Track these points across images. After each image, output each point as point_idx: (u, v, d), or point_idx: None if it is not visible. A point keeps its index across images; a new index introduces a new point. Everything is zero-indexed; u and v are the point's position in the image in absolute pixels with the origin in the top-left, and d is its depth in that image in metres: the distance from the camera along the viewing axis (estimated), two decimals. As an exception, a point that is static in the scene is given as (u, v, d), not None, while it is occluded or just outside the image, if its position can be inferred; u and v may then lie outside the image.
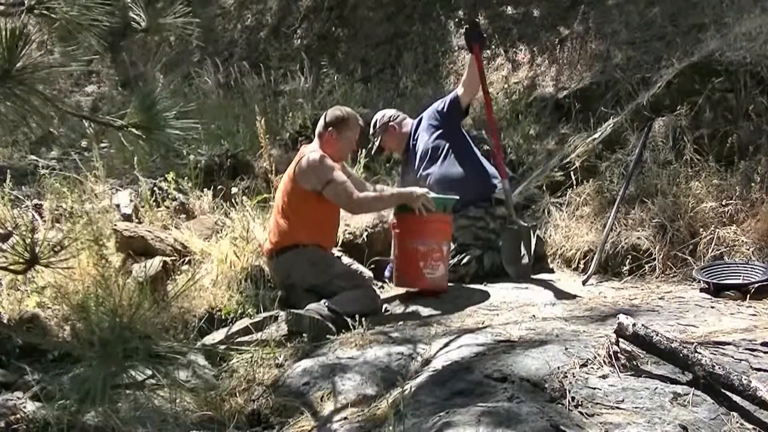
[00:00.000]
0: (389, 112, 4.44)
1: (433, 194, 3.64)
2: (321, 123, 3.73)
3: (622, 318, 2.36)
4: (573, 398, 2.18)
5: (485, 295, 3.66)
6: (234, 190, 4.69)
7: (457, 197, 3.80)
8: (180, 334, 3.34)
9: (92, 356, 1.76)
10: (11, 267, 1.88)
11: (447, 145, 4.13)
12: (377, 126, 4.38)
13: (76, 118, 2.27)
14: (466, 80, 4.12)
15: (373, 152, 4.51)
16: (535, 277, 3.92)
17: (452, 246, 3.99)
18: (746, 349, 2.46)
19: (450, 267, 3.90)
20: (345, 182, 3.53)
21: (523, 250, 3.91)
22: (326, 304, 3.32)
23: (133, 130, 2.02)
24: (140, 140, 2.03)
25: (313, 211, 3.55)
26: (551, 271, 4.09)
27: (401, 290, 3.80)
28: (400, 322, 3.26)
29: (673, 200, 3.80)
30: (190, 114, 2.14)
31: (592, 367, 2.35)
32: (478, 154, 4.17)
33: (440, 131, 4.17)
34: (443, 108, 4.20)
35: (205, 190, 4.72)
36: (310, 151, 3.62)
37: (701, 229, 3.66)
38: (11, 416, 2.47)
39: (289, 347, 3.12)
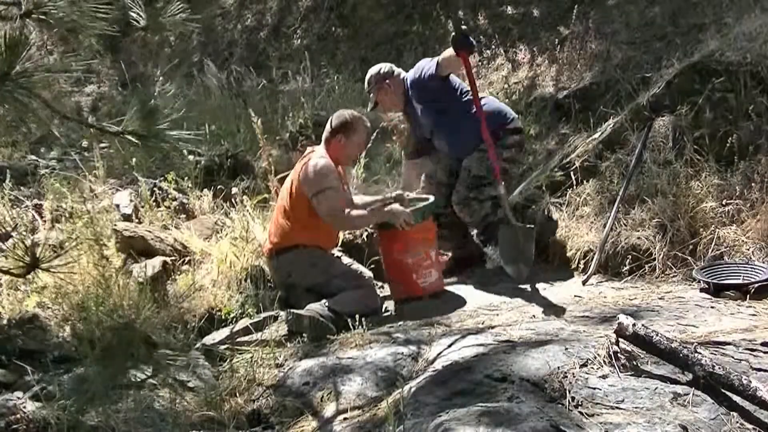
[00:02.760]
0: (384, 67, 4.20)
1: (411, 205, 3.68)
2: (328, 128, 3.71)
3: (622, 318, 2.36)
4: (573, 398, 2.19)
5: (485, 295, 3.66)
6: (234, 190, 4.69)
7: (433, 198, 3.82)
8: (180, 334, 3.34)
9: (93, 357, 1.77)
10: (12, 270, 1.88)
11: (439, 109, 4.01)
12: (370, 83, 4.19)
13: (71, 121, 2.26)
14: (444, 62, 3.89)
15: (369, 109, 4.32)
16: (534, 277, 3.92)
17: (468, 176, 3.95)
18: (746, 349, 2.46)
19: (464, 200, 3.86)
20: (336, 196, 3.52)
21: (521, 250, 3.90)
22: (326, 304, 3.32)
23: (130, 137, 2.01)
24: (137, 147, 2.02)
25: (316, 215, 3.54)
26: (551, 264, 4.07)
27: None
28: (400, 322, 3.27)
29: (673, 200, 3.80)
30: (189, 119, 2.14)
31: (592, 367, 2.36)
32: (468, 98, 3.98)
33: (428, 100, 4.03)
34: (424, 78, 4.00)
35: (205, 190, 4.71)
36: (317, 157, 3.61)
37: (701, 229, 3.66)
38: (11, 416, 2.47)
39: (289, 347, 3.12)
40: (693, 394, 2.17)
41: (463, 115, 3.97)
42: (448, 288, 3.82)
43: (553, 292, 3.63)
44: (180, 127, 2.10)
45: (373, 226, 3.91)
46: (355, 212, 3.66)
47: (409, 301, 3.65)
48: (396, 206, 3.68)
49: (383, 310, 3.59)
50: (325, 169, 3.53)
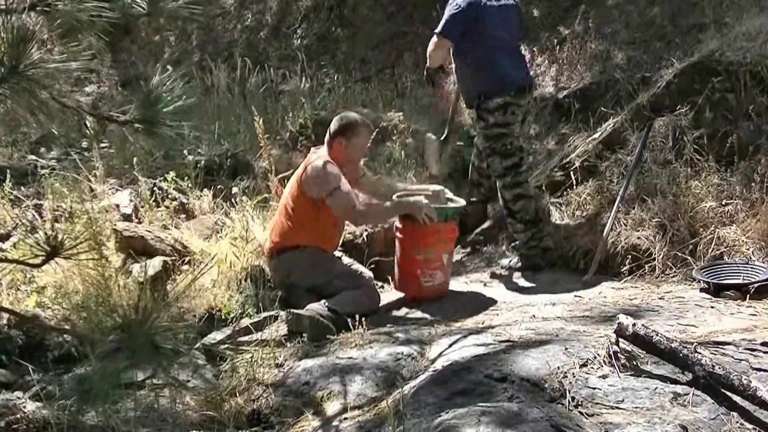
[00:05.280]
0: None
1: (435, 204, 3.64)
2: (329, 130, 3.69)
3: (622, 318, 2.36)
4: (573, 398, 2.19)
5: (485, 296, 3.66)
6: (234, 190, 4.69)
7: (461, 204, 3.80)
8: (180, 334, 3.33)
9: (94, 356, 1.76)
10: (28, 261, 1.88)
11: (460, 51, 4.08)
12: None
13: (78, 115, 2.27)
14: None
15: None
16: (534, 276, 3.92)
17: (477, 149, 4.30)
18: (746, 349, 2.47)
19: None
20: (348, 192, 3.49)
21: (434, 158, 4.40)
22: (326, 304, 3.32)
23: (137, 125, 2.02)
24: (145, 136, 2.02)
25: (317, 217, 3.53)
26: (553, 264, 4.06)
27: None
28: (401, 322, 3.27)
29: (673, 200, 3.80)
30: (193, 109, 2.14)
31: (592, 367, 2.36)
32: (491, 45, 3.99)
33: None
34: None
35: (205, 190, 4.71)
36: (317, 158, 3.59)
37: (701, 229, 3.66)
38: (11, 416, 2.47)
39: (289, 347, 3.12)
40: (693, 394, 2.17)
41: (474, 67, 3.98)
42: (449, 287, 3.82)
43: (553, 291, 3.63)
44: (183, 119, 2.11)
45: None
46: (374, 205, 3.69)
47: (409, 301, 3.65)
48: (420, 199, 3.61)
49: (383, 310, 3.58)
50: (327, 166, 3.50)
